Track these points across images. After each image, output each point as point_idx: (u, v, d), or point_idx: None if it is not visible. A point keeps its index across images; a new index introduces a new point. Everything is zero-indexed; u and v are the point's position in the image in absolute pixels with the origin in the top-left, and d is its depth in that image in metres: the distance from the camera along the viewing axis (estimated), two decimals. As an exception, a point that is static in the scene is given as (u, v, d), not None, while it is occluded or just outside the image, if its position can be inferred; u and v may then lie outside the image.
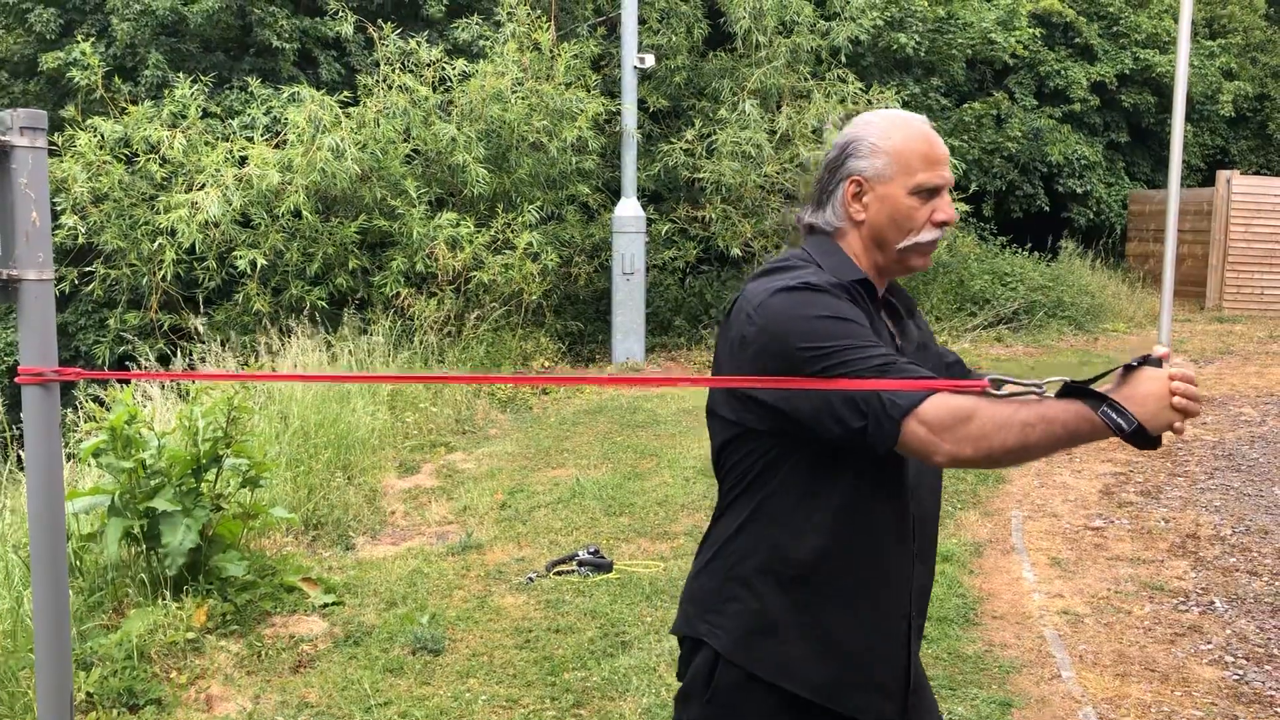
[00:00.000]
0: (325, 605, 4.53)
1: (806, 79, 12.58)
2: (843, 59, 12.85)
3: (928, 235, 1.97)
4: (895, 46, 14.68)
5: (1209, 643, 4.39)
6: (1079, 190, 17.63)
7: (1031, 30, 16.91)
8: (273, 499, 5.33)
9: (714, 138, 11.67)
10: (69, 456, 5.24)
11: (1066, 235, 17.09)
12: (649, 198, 12.78)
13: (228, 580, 4.29)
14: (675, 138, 12.07)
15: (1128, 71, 17.75)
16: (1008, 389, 1.87)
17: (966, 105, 16.83)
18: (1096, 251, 16.88)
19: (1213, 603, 4.81)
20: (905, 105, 13.11)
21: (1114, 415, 1.82)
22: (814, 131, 11.91)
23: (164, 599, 4.06)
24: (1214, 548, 5.56)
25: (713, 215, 11.66)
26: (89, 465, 4.61)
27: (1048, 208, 17.63)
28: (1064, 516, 6.12)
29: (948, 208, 1.99)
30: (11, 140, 2.65)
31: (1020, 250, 15.53)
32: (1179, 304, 14.99)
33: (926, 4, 15.23)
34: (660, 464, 7.13)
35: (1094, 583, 5.06)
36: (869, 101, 12.29)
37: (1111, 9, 18.15)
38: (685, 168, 11.85)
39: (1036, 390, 1.87)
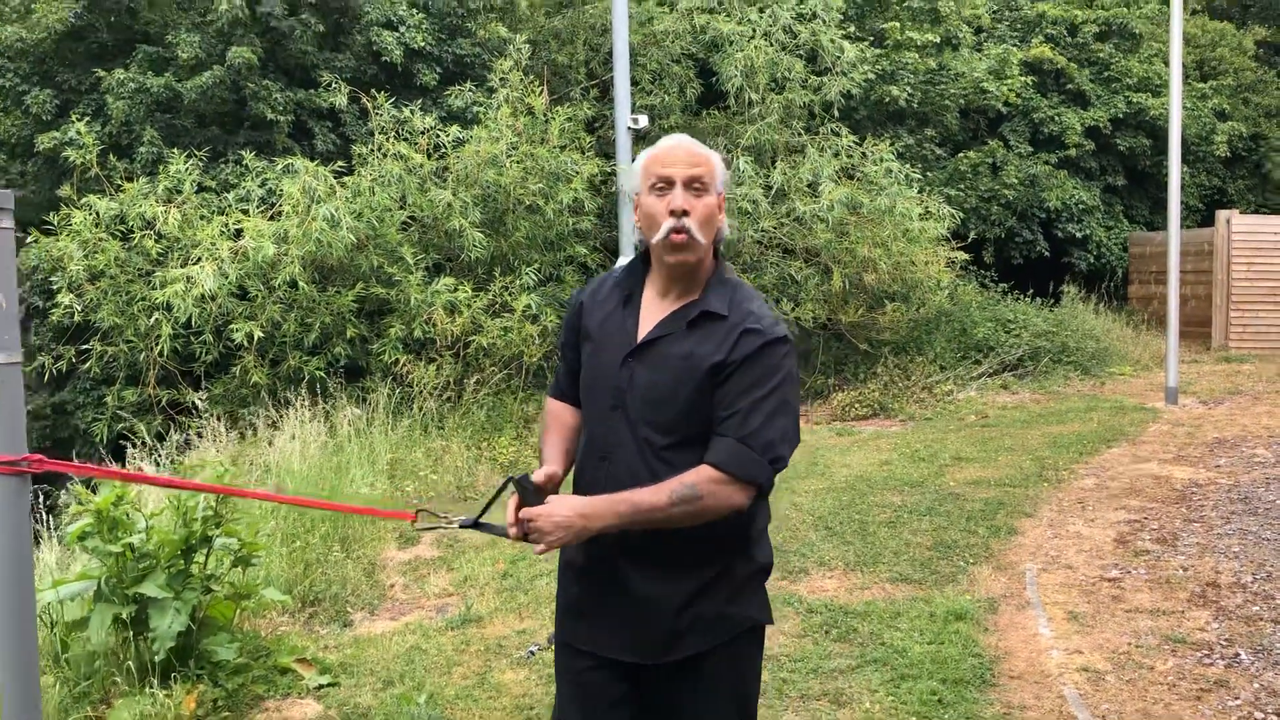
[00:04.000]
0: (320, 687, 4.38)
1: (800, 134, 12.62)
2: (836, 113, 12.89)
3: (667, 224, 2.25)
4: (888, 99, 14.76)
5: (1236, 698, 4.23)
6: (1078, 235, 17.63)
7: (1023, 78, 17.03)
8: (267, 577, 5.20)
9: (710, 195, 11.66)
10: (59, 539, 5.14)
11: (1068, 280, 17.04)
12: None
13: (219, 664, 4.15)
14: (671, 196, 12.06)
15: (1121, 115, 17.83)
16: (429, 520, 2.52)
17: (962, 154, 16.90)
18: (1099, 295, 16.82)
19: (1238, 655, 4.64)
20: (900, 156, 13.14)
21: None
22: (809, 186, 11.91)
23: (152, 686, 3.93)
24: (1235, 596, 5.40)
25: (711, 272, 11.62)
26: (75, 550, 4.50)
27: (1048, 253, 17.61)
28: (1079, 568, 5.97)
29: (678, 197, 2.27)
30: (-24, 222, 2.58)
31: (1022, 296, 15.47)
32: (1185, 345, 14.87)
33: (917, 56, 15.33)
34: (665, 526, 6.99)
35: (1113, 637, 4.90)
36: (863, 154, 12.31)
37: (1102, 55, 18.28)
38: (682, 225, 11.82)
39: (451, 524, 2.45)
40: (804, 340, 12.46)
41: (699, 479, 2.19)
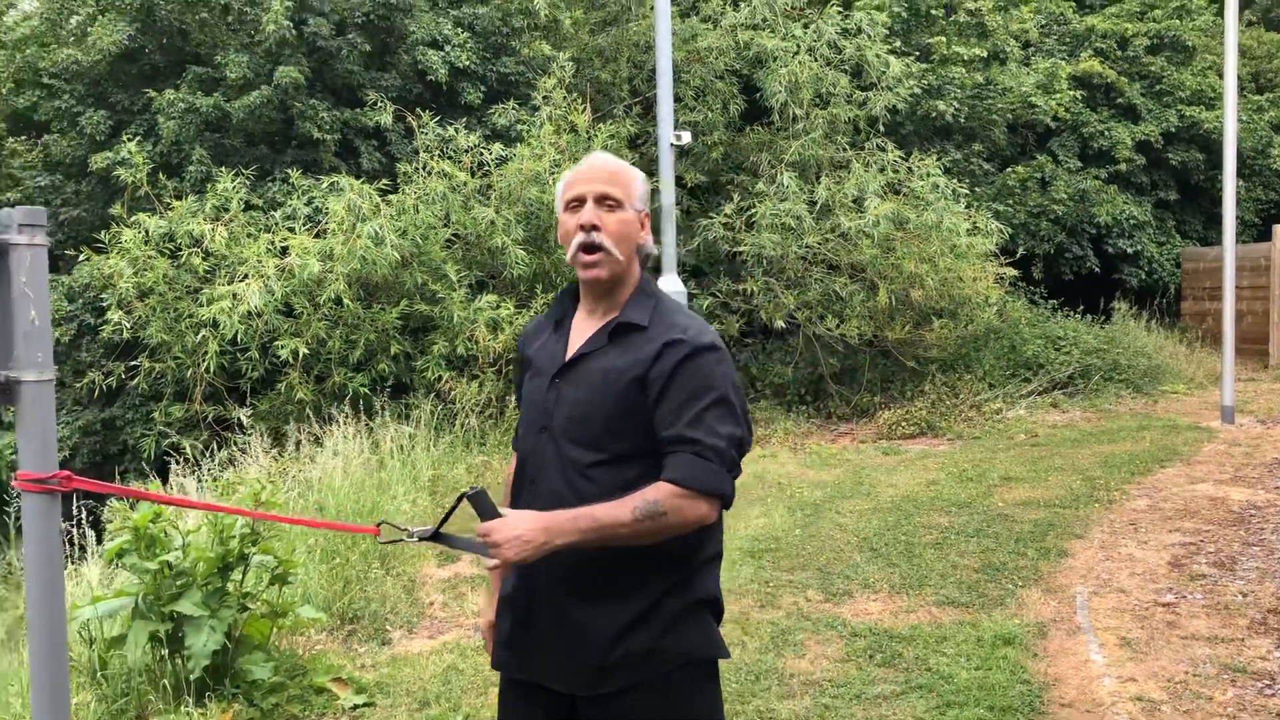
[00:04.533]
0: (356, 707, 4.35)
1: (845, 149, 12.52)
2: (881, 128, 12.78)
3: (576, 240, 2.29)
4: (934, 114, 14.61)
5: (1299, 730, 4.07)
6: (1129, 250, 17.32)
7: (1072, 92, 16.78)
8: (305, 595, 5.19)
9: (753, 211, 11.60)
10: (101, 555, 5.16)
11: (1119, 296, 16.74)
12: (689, 273, 12.70)
13: (254, 683, 4.14)
14: (714, 212, 12.02)
15: (1173, 129, 17.52)
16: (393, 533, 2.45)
17: (1010, 169, 16.68)
18: (1151, 312, 16.51)
19: (1300, 685, 4.48)
20: (947, 171, 12.97)
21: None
22: (854, 201, 11.80)
23: (187, 705, 3.91)
24: (1297, 623, 5.22)
25: (754, 288, 11.54)
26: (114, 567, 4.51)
27: (1098, 269, 17.33)
28: (1132, 592, 5.81)
29: (586, 213, 2.29)
30: (10, 238, 2.57)
31: (1072, 313, 15.22)
32: (1241, 362, 14.53)
33: (964, 71, 15.17)
34: (706, 546, 6.91)
35: (1169, 665, 4.74)
36: (909, 169, 12.18)
37: (1153, 68, 17.99)
38: (725, 241, 11.78)
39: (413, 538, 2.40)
40: (849, 357, 12.33)
41: (660, 495, 2.14)
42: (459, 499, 2.25)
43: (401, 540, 2.40)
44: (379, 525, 2.60)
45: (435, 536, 2.36)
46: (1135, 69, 18.05)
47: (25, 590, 2.58)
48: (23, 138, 14.50)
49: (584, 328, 2.37)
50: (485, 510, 2.18)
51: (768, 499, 8.31)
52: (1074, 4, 19.45)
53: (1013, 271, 13.81)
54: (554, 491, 2.25)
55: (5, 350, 2.57)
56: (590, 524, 2.13)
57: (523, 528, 2.13)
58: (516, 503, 2.37)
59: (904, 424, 11.31)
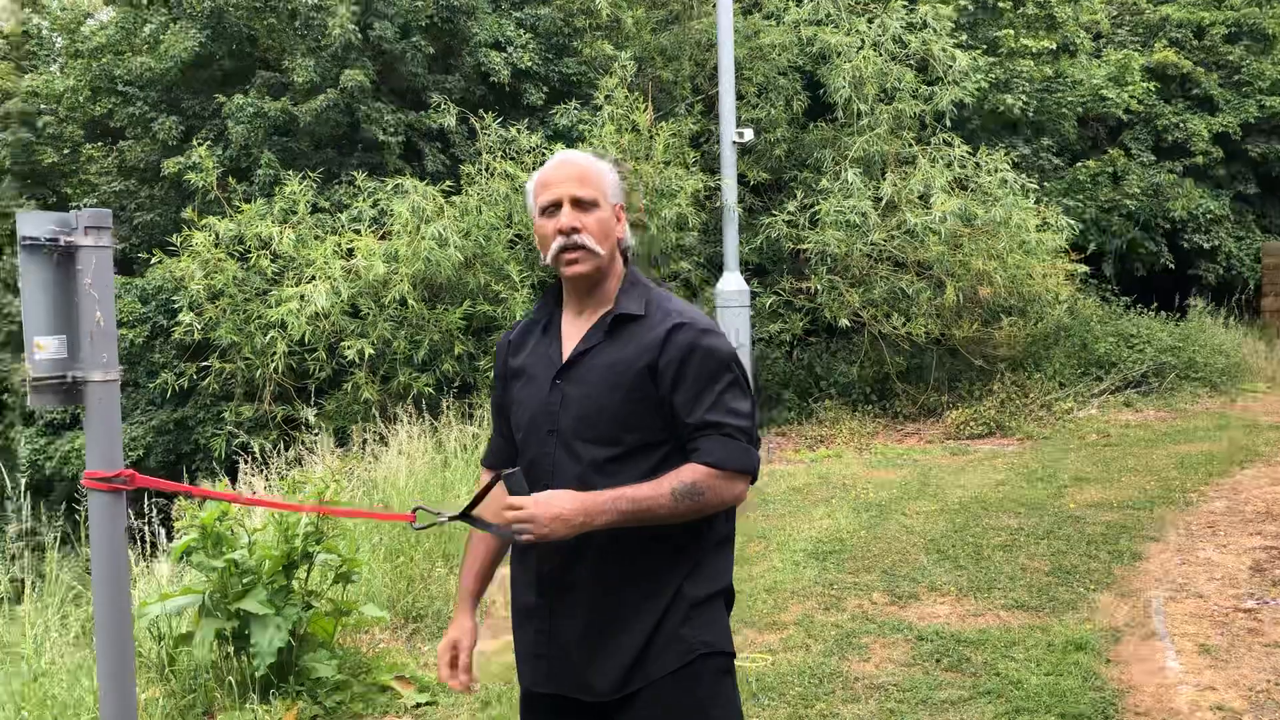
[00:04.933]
0: (418, 705, 4.37)
1: (910, 145, 12.34)
2: (947, 123, 12.57)
3: (556, 243, 2.28)
4: (1002, 108, 14.35)
5: (1390, 743, 3.90)
6: (1206, 245, 16.86)
7: (1146, 84, 16.37)
8: (368, 593, 5.23)
9: (817, 208, 11.48)
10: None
11: (1195, 293, 16.30)
12: (752, 271, 12.62)
13: (319, 681, 4.17)
14: (777, 209, 11.92)
15: (1253, 120, 17.02)
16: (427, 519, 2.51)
17: (1080, 164, 16.32)
18: (1229, 308, 16.03)
19: (1390, 695, 4.30)
20: (1015, 167, 12.71)
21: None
22: (920, 197, 11.62)
23: (253, 702, 3.96)
24: (1386, 631, 5.02)
25: (819, 286, 11.42)
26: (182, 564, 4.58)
27: (1172, 265, 16.89)
28: (1211, 597, 5.63)
29: (564, 217, 2.29)
30: (76, 240, 2.62)
31: (1145, 310, 14.85)
32: (1325, 361, 14.08)
33: (1033, 64, 14.88)
34: (769, 547, 6.85)
35: (1251, 673, 4.58)
36: (976, 164, 11.97)
37: (1231, 57, 17.49)
38: (788, 239, 11.68)
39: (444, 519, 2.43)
40: (916, 356, 12.16)
41: (698, 476, 2.18)
42: (494, 479, 2.25)
43: (435, 524, 2.43)
44: (414, 511, 2.64)
45: (466, 518, 2.35)
46: (1212, 59, 17.56)
47: (92, 586, 2.62)
48: (99, 144, 14.87)
49: (575, 327, 2.36)
50: (519, 490, 2.17)
51: (832, 499, 8.21)
52: (1147, -6, 18.99)
53: (1083, 268, 13.51)
54: None
55: (72, 351, 2.61)
56: (630, 504, 2.14)
57: (562, 506, 2.13)
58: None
59: (972, 423, 11.12)
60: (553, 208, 2.31)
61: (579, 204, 2.31)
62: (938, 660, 4.83)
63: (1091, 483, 8.41)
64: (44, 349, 2.57)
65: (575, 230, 2.28)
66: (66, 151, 14.91)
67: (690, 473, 2.18)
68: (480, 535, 2.46)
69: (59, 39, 15.87)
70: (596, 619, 2.24)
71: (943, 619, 5.41)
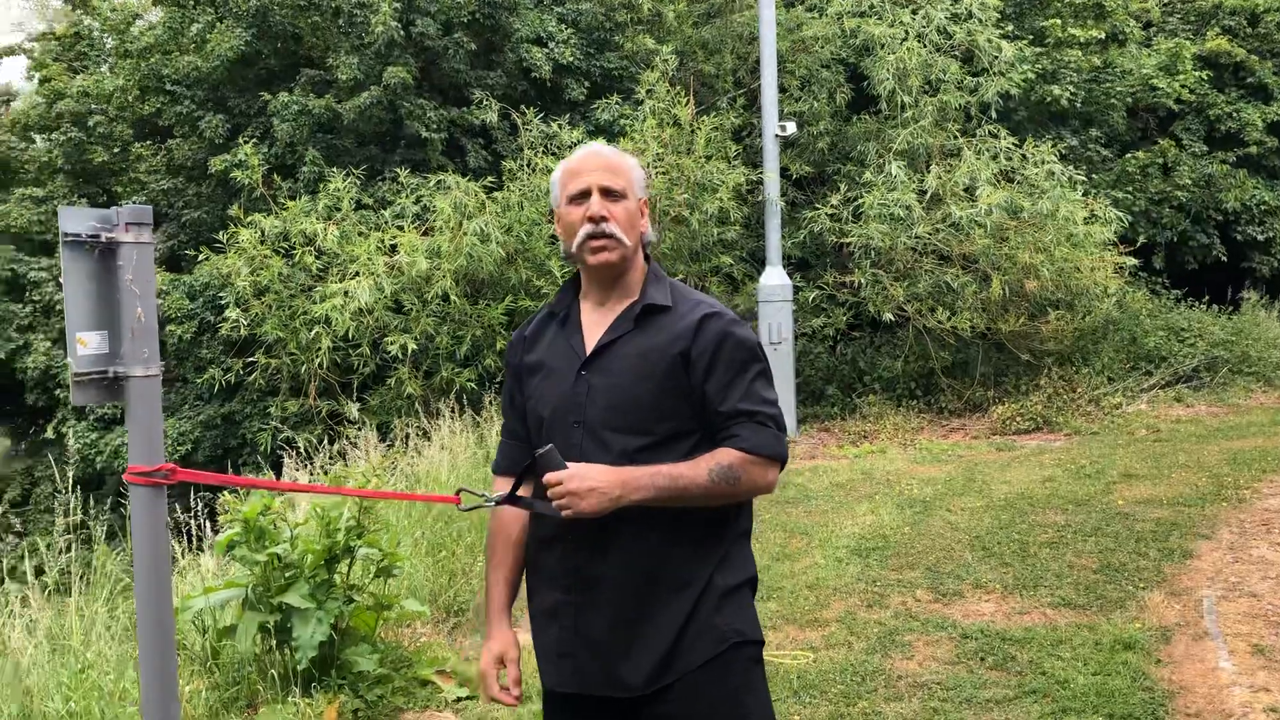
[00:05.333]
0: (459, 700, 4.38)
1: (955, 137, 12.20)
2: (993, 114, 12.42)
3: (584, 230, 2.27)
4: (1049, 99, 14.13)
5: None
6: (1260, 238, 16.52)
7: (1198, 73, 16.05)
8: (410, 588, 5.25)
9: (860, 201, 11.38)
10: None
11: (1248, 286, 15.99)
12: (795, 265, 12.54)
13: (360, 675, 4.19)
14: (820, 203, 11.84)
15: (1309, 109, 16.64)
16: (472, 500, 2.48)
17: (1129, 155, 16.03)
18: (1284, 301, 15.72)
19: None
20: (1062, 158, 12.52)
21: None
22: (966, 190, 11.48)
23: (295, 695, 3.98)
24: None
25: (862, 280, 11.32)
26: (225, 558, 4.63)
27: (1225, 257, 16.56)
28: (1265, 596, 5.51)
29: (595, 205, 2.28)
30: (117, 236, 2.63)
31: (1197, 304, 14.59)
32: (1383, 354, 13.72)
33: (1081, 54, 14.64)
34: (811, 543, 6.80)
35: (1305, 674, 4.48)
36: (1023, 156, 11.81)
37: (1287, 44, 17.11)
38: (832, 233, 11.59)
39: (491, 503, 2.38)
40: (961, 350, 12.02)
41: (734, 460, 2.21)
42: (531, 459, 2.25)
43: (481, 506, 2.42)
44: (458, 493, 2.64)
45: (511, 499, 2.34)
46: (1267, 46, 17.17)
47: (134, 580, 2.64)
48: (148, 142, 15.07)
49: (597, 318, 2.35)
50: (555, 467, 2.17)
51: (876, 496, 8.14)
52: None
53: (1133, 261, 13.28)
54: None
55: (114, 347, 2.63)
56: (667, 481, 2.15)
57: (599, 479, 2.13)
58: (540, 519, 2.33)
59: (1018, 419, 10.98)
60: (581, 196, 2.31)
61: (608, 193, 2.31)
62: (982, 659, 4.77)
63: (1141, 479, 8.27)
64: (86, 345, 2.59)
65: (604, 219, 2.28)
66: (116, 150, 15.12)
67: (726, 455, 2.20)
68: (502, 543, 2.45)
69: (109, 40, 16.12)
70: (625, 613, 2.23)
71: (988, 617, 5.34)
